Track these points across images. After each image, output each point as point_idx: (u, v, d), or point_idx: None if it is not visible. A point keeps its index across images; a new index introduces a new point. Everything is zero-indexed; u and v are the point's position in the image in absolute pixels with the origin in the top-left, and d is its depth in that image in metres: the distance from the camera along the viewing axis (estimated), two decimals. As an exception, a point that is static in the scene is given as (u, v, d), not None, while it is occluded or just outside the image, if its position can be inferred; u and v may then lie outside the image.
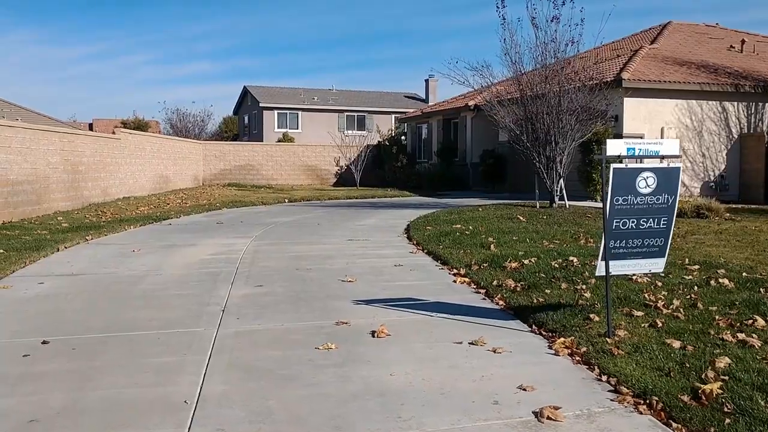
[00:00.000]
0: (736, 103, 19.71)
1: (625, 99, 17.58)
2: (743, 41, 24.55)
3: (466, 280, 7.79)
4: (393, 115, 53.14)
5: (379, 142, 34.91)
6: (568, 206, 15.80)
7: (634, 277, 7.28)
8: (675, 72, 19.76)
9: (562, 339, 5.25)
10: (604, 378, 4.49)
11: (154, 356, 5.05)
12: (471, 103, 26.84)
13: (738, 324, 5.50)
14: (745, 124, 19.88)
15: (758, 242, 10.16)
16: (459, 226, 12.02)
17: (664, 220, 5.49)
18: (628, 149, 5.33)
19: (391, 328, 5.67)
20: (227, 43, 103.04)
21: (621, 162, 5.38)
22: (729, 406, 3.84)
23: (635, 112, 18.20)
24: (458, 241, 10.30)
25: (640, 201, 5.40)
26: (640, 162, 5.59)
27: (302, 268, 8.76)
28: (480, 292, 7.22)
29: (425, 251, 10.02)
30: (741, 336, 5.10)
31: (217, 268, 8.72)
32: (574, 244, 9.91)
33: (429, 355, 5.07)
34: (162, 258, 9.59)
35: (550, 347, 5.22)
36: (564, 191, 16.06)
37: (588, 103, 15.27)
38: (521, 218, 13.23)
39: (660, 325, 5.51)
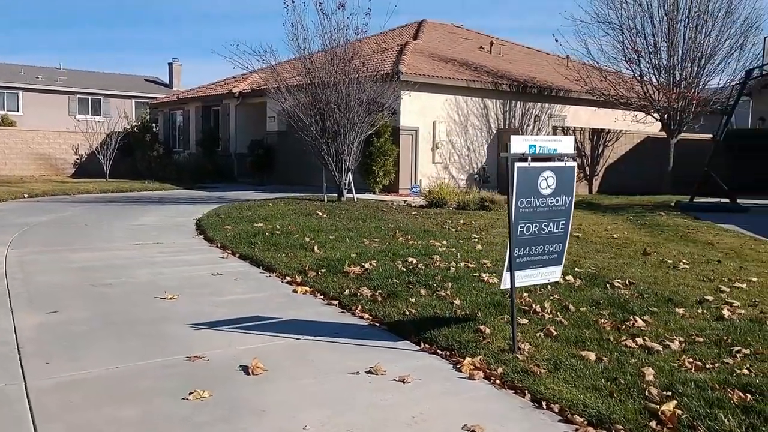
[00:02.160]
0: (494, 101, 21.07)
1: (403, 93, 17.73)
2: (492, 43, 26.46)
3: (307, 289, 6.89)
4: (134, 100, 49.06)
5: (126, 128, 31.63)
6: (356, 199, 15.47)
7: (485, 279, 7.00)
8: (443, 68, 20.53)
9: (468, 359, 4.65)
10: (544, 405, 3.97)
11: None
12: (236, 89, 25.47)
13: (622, 326, 5.39)
14: (502, 120, 21.36)
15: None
16: (262, 224, 10.95)
17: (562, 224, 5.16)
18: (530, 146, 4.89)
19: (262, 359, 4.61)
20: None
21: (525, 161, 4.91)
22: (701, 429, 3.53)
23: (411, 105, 18.49)
24: (273, 242, 9.29)
25: (542, 203, 5.01)
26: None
27: (99, 283, 7.13)
28: (332, 304, 6.38)
29: (238, 255, 8.86)
30: (639, 341, 4.95)
31: (-20, 289, 6.74)
32: (396, 241, 9.47)
33: (332, 394, 4.15)
34: None
35: (458, 369, 4.59)
36: (353, 185, 15.70)
37: (377, 95, 15.05)
38: (320, 213, 12.54)
39: (554, 333, 5.18)
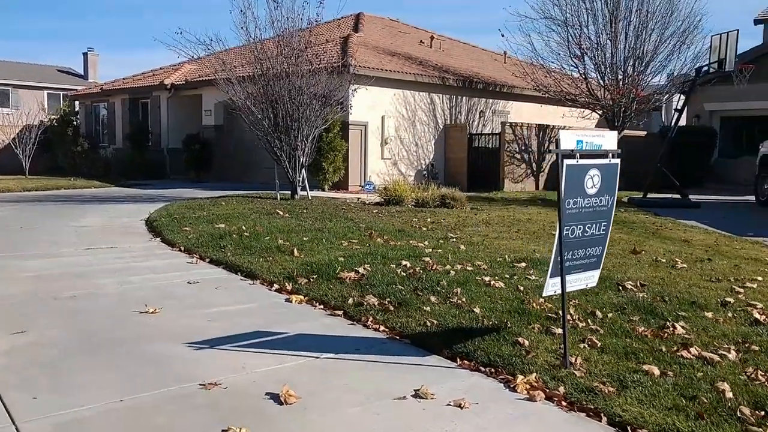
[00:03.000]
0: (441, 96, 20.78)
1: (359, 87, 17.10)
2: (432, 38, 26.20)
3: (303, 298, 6.29)
4: (46, 92, 46.33)
5: (42, 121, 29.57)
6: (310, 197, 14.82)
7: (489, 283, 6.59)
8: (390, 62, 20.07)
9: (521, 378, 4.21)
10: (629, 430, 3.57)
11: None
12: (167, 81, 24.18)
13: (663, 334, 5.06)
14: (449, 115, 21.10)
15: (536, 233, 10.37)
16: (224, 225, 10.19)
17: (604, 225, 4.78)
18: (578, 142, 4.49)
19: (289, 384, 4.03)
20: None
21: (572, 158, 4.49)
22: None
23: (361, 99, 17.91)
24: (244, 245, 8.58)
25: (587, 203, 4.61)
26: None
27: (61, 295, 6.30)
28: (337, 315, 5.81)
29: (209, 260, 8.12)
30: (694, 351, 4.63)
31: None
32: (375, 242, 8.94)
33: (389, 425, 3.63)
34: None
35: (512, 389, 4.14)
36: (306, 182, 15.04)
37: (333, 88, 14.44)
38: (281, 213, 11.84)
39: (599, 343, 4.81)
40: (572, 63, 19.99)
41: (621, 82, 19.34)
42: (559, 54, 20.18)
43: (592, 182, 4.59)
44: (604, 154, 4.66)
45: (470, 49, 28.63)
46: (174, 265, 7.90)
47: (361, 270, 6.98)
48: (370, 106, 18.37)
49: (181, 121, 24.60)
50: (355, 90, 15.97)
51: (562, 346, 4.73)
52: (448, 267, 7.27)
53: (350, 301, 5.99)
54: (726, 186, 21.84)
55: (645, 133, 25.97)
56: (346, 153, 17.82)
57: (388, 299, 5.95)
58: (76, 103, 32.21)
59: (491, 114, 22.46)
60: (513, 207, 14.57)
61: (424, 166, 20.37)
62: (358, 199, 15.65)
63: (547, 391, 4.07)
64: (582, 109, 20.38)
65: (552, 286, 4.57)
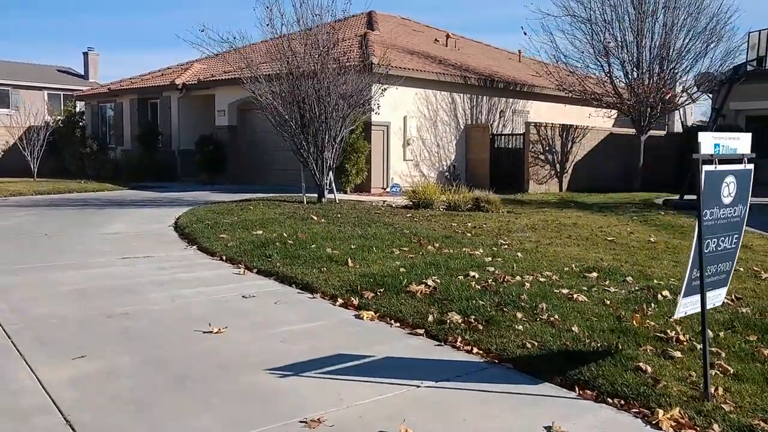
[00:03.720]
0: (462, 95, 20.29)
1: (380, 86, 16.56)
2: (447, 36, 25.71)
3: (374, 314, 5.81)
4: (46, 92, 45.58)
5: (47, 121, 28.94)
6: (337, 201, 14.33)
7: (573, 296, 6.12)
8: (411, 60, 19.57)
9: (663, 413, 3.74)
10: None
11: None
12: (179, 81, 23.65)
13: (793, 357, 4.60)
14: (470, 115, 20.62)
15: (588, 238, 9.90)
16: (261, 232, 9.70)
17: (735, 238, 4.32)
18: (715, 146, 4.02)
19: (400, 420, 3.58)
20: None
21: (710, 163, 4.02)
22: None
23: (384, 99, 17.39)
24: (290, 254, 8.09)
25: (722, 214, 4.14)
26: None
27: (112, 312, 5.81)
28: (418, 334, 5.33)
29: (256, 271, 7.63)
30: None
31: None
32: (426, 250, 8.46)
33: (538, 477, 3.15)
34: None
35: (655, 426, 3.67)
36: (333, 185, 14.55)
37: (363, 87, 13.96)
38: (315, 217, 11.36)
39: (730, 369, 4.34)
40: (597, 62, 19.55)
41: (648, 81, 18.88)
42: (583, 52, 19.76)
43: (728, 190, 4.13)
44: (739, 159, 4.20)
45: (484, 48, 28.16)
46: (222, 277, 7.41)
47: (429, 282, 6.50)
48: (393, 106, 17.86)
49: (192, 121, 24.08)
50: (384, 89, 15.44)
51: (689, 372, 4.28)
52: (518, 278, 6.80)
53: (430, 318, 5.52)
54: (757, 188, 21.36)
55: (664, 132, 25.59)
56: (368, 154, 17.33)
57: (473, 316, 5.47)
58: (81, 103, 31.63)
59: (511, 114, 21.99)
60: (548, 210, 14.10)
61: (445, 167, 19.89)
62: (384, 202, 15.16)
63: (697, 428, 3.60)
64: (607, 109, 19.92)
65: (684, 307, 4.10)
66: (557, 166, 20.10)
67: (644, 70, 19.01)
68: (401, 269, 7.14)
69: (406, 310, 5.77)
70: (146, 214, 13.10)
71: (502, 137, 20.43)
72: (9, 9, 75.53)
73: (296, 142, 13.77)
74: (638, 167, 20.01)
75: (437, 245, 8.80)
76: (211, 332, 5.26)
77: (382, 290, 6.37)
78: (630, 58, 19.07)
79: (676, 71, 18.90)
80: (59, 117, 29.93)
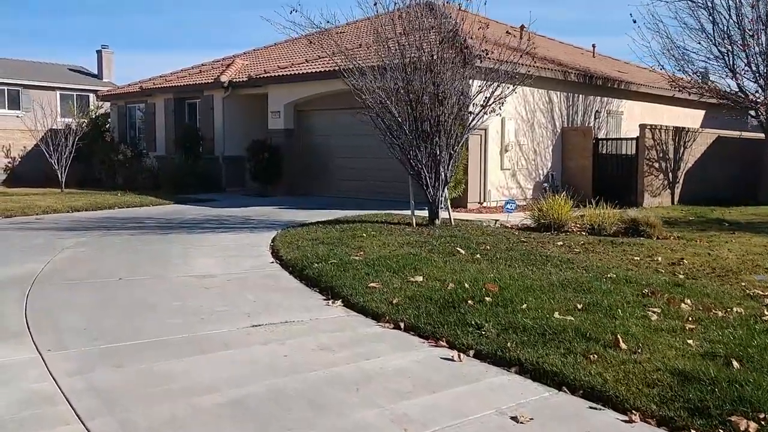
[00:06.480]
0: (559, 93, 17.63)
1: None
2: (522, 28, 22.97)
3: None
4: (58, 92, 42.80)
5: (68, 124, 26.11)
6: (453, 222, 11.67)
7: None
8: (504, 54, 16.88)
9: None
10: None
11: None
12: (224, 78, 20.99)
13: None
14: (566, 117, 17.95)
15: None
16: (421, 278, 7.03)
17: None
18: None
19: None
20: None
21: None
22: None
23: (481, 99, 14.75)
24: (505, 322, 5.42)
25: None
26: None
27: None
28: None
29: (473, 353, 4.97)
30: None
31: None
32: (680, 310, 5.79)
33: None
34: None
35: None
36: (448, 202, 11.90)
37: (480, 84, 11.38)
38: (462, 251, 8.69)
39: None
40: (718, 54, 16.86)
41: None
42: (700, 42, 17.07)
43: None
44: None
45: (556, 43, 25.46)
46: (431, 368, 4.73)
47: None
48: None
49: (239, 124, 21.48)
50: (512, 89, 12.81)
51: None
52: None
53: None
54: None
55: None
56: (466, 164, 14.66)
57: None
58: (105, 104, 28.98)
59: (605, 115, 19.32)
60: (713, 234, 11.43)
61: (542, 177, 17.20)
62: (497, 222, 12.52)
63: None
64: (729, 111, 17.24)
65: None
66: (669, 175, 17.39)
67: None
68: (706, 362, 4.45)
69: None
70: (226, 242, 10.43)
71: (608, 142, 17.71)
72: (8, 8, 73.09)
73: (406, 151, 11.11)
74: (765, 176, 17.32)
75: (677, 300, 6.12)
76: None
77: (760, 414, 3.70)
78: (761, 49, 16.37)
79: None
80: (83, 119, 27.30)
